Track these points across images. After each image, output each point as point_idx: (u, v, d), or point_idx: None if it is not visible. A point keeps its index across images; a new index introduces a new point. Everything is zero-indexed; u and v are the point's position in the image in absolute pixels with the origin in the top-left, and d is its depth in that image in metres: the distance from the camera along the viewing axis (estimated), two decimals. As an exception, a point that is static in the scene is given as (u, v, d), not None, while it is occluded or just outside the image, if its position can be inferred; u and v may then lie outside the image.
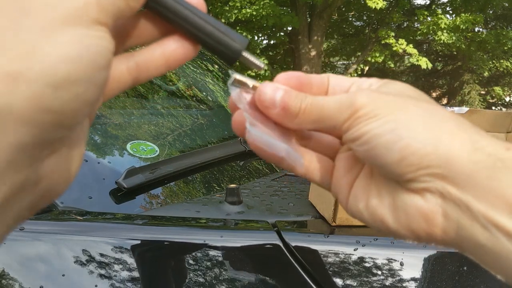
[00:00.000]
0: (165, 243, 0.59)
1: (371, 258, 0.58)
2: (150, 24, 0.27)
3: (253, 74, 8.14)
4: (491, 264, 0.23)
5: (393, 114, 0.25)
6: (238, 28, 8.21)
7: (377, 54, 9.03)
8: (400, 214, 0.26)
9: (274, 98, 0.27)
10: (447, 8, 10.04)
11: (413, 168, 0.24)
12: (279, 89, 0.28)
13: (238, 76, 0.29)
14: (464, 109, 0.82)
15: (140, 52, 0.26)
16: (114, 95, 0.26)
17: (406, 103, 0.26)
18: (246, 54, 0.28)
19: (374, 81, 0.30)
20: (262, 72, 8.19)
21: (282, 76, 0.29)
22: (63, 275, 0.53)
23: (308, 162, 0.30)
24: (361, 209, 0.29)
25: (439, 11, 8.85)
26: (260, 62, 0.29)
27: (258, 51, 8.87)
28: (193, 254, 0.57)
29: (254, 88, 0.29)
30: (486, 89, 11.93)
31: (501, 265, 0.22)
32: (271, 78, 8.44)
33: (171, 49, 0.26)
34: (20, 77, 0.18)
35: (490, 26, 10.83)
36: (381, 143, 0.25)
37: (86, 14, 0.20)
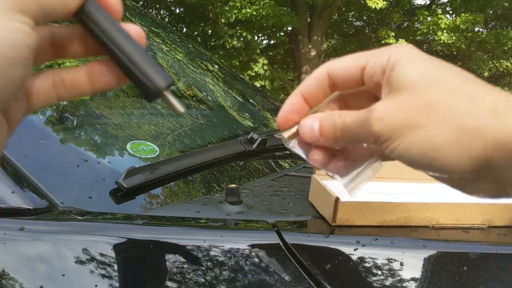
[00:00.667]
0: (165, 243, 0.59)
1: (371, 258, 0.58)
2: (83, 42, 0.25)
3: (253, 74, 8.14)
4: None
5: (412, 134, 0.26)
6: (238, 28, 8.21)
7: (377, 54, 9.01)
8: (473, 190, 0.29)
9: (314, 134, 0.31)
10: (447, 8, 10.04)
11: (458, 173, 0.26)
12: (315, 122, 0.31)
13: (285, 134, 0.33)
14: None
15: (67, 70, 0.26)
16: (40, 108, 0.25)
17: (421, 116, 0.26)
18: (168, 94, 0.27)
19: (385, 61, 0.29)
20: (262, 72, 8.19)
21: (281, 119, 0.32)
22: (63, 275, 0.53)
23: None
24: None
25: (439, 11, 8.85)
26: (181, 107, 0.28)
27: (258, 51, 8.86)
28: (193, 254, 0.57)
29: (297, 130, 0.33)
30: (486, 89, 11.92)
31: None
32: (271, 78, 8.43)
33: (97, 73, 0.26)
34: None
35: (490, 26, 10.83)
36: (422, 165, 0.27)
37: (4, 1, 0.18)
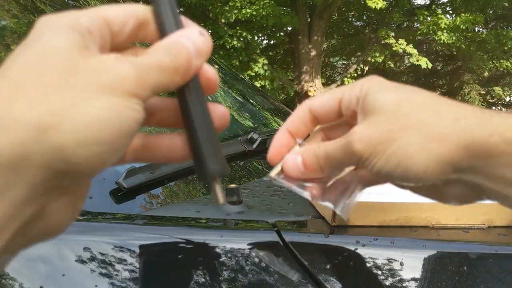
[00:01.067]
0: (165, 243, 0.59)
1: (371, 258, 0.58)
2: (173, 114, 0.29)
3: (253, 74, 8.14)
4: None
5: (389, 148, 0.29)
6: (238, 28, 8.21)
7: (377, 54, 9.03)
8: (445, 197, 0.33)
9: (299, 168, 0.33)
10: (447, 8, 10.04)
11: (430, 179, 0.29)
12: (297, 157, 0.34)
13: (271, 173, 0.35)
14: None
15: (151, 136, 0.29)
16: (115, 165, 0.26)
17: (393, 131, 0.29)
18: (216, 183, 0.28)
19: (358, 91, 0.32)
20: (262, 72, 8.19)
21: (272, 156, 0.35)
22: (63, 275, 0.53)
23: None
24: (412, 191, 0.35)
25: (439, 11, 8.84)
26: (222, 198, 0.29)
27: (258, 51, 8.86)
28: (193, 254, 0.57)
29: (282, 168, 0.35)
30: (486, 89, 11.92)
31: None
32: (271, 78, 8.43)
33: (176, 145, 0.28)
34: (50, 128, 0.20)
35: (490, 26, 10.82)
36: (398, 176, 0.30)
37: (125, 87, 0.22)
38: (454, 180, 0.30)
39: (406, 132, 0.29)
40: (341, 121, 0.35)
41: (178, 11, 0.25)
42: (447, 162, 0.28)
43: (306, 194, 0.35)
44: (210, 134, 0.27)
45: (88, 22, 0.23)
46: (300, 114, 0.35)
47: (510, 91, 12.29)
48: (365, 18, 10.84)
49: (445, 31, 8.11)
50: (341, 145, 0.31)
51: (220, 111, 0.28)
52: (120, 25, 0.25)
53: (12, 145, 0.20)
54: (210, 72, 0.28)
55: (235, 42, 8.00)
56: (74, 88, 0.21)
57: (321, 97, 0.35)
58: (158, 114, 0.29)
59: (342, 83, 9.29)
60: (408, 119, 0.29)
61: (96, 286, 0.53)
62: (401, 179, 0.30)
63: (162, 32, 0.25)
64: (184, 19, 0.26)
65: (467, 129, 0.28)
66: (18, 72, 0.21)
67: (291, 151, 0.35)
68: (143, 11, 0.26)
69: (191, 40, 0.25)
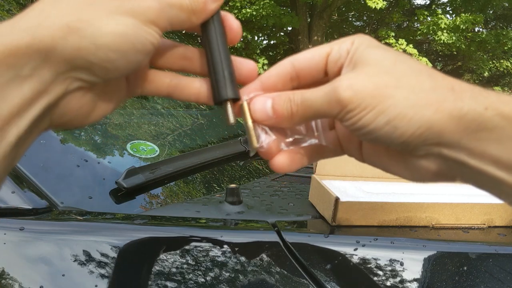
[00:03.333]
0: (165, 243, 0.59)
1: (371, 258, 0.58)
2: (204, 61, 0.32)
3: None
4: (490, 190, 0.29)
5: (381, 103, 0.27)
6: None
7: (377, 54, 9.01)
8: (414, 172, 0.31)
9: (266, 111, 0.31)
10: (447, 8, 10.04)
11: (413, 145, 0.28)
12: (267, 100, 0.31)
13: (251, 146, 0.33)
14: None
15: (185, 78, 0.33)
16: (151, 94, 0.34)
17: (389, 88, 0.28)
18: (228, 106, 0.32)
19: (349, 45, 0.31)
20: (263, 72, 8.18)
21: (267, 80, 0.33)
22: (63, 275, 0.53)
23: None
24: (377, 163, 0.33)
25: (439, 11, 8.85)
26: (233, 118, 0.32)
27: (258, 51, 8.86)
28: (193, 254, 0.57)
29: (253, 120, 0.32)
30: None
31: (496, 189, 0.29)
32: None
33: (205, 88, 0.33)
34: (74, 31, 0.26)
35: (490, 26, 10.82)
36: (381, 135, 0.28)
37: (146, 14, 0.27)
38: (432, 154, 0.29)
39: (402, 91, 0.27)
40: (323, 81, 0.32)
41: None
42: (436, 131, 0.27)
43: (261, 141, 0.32)
44: (229, 67, 0.31)
45: None
46: (279, 69, 0.32)
47: (510, 91, 12.29)
48: (365, 18, 10.84)
49: (445, 31, 8.12)
50: (323, 92, 0.29)
51: (249, 66, 0.33)
52: None
53: (45, 37, 0.25)
54: (234, 24, 0.32)
55: (235, 42, 7.99)
56: (103, 8, 0.26)
57: (306, 52, 0.32)
58: (193, 61, 0.33)
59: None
60: (405, 79, 0.28)
61: (96, 286, 0.53)
62: (383, 139, 0.28)
63: None
64: None
65: (462, 99, 0.27)
66: None
67: (261, 94, 0.32)
68: None
69: None
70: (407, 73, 0.28)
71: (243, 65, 0.33)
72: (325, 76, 0.32)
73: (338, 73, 0.30)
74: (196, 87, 0.33)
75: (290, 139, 0.34)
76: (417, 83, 0.28)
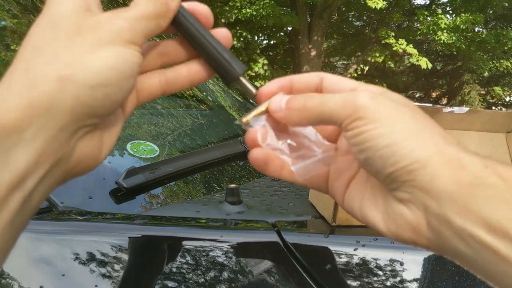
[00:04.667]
0: (165, 243, 0.59)
1: (371, 258, 0.58)
2: (181, 49, 0.33)
3: (253, 74, 8.14)
4: (472, 268, 0.26)
5: (391, 125, 0.27)
6: (238, 28, 8.21)
7: (377, 54, 9.03)
8: (391, 221, 0.29)
9: (280, 103, 0.32)
10: (447, 8, 10.04)
11: (400, 180, 0.27)
12: (283, 97, 0.32)
13: (250, 115, 0.33)
14: (464, 109, 0.82)
15: (170, 69, 0.33)
16: (147, 101, 0.34)
17: (404, 114, 0.28)
18: (242, 79, 0.34)
19: (374, 89, 0.31)
20: (262, 72, 8.19)
21: (264, 91, 0.33)
22: (63, 275, 0.53)
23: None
24: (356, 209, 0.32)
25: (439, 11, 8.84)
26: (253, 88, 0.34)
27: (258, 51, 8.86)
28: (193, 254, 0.57)
29: (267, 108, 0.33)
30: (486, 89, 11.91)
31: (480, 269, 0.26)
32: (271, 78, 8.44)
33: (195, 70, 0.33)
34: (67, 80, 0.25)
35: (490, 26, 10.82)
36: (376, 156, 0.27)
37: (121, 37, 0.27)
38: (416, 201, 0.27)
39: (416, 124, 0.27)
40: None
41: None
42: (429, 173, 0.26)
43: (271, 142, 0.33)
44: (222, 48, 0.32)
45: None
46: (311, 77, 0.33)
47: (510, 91, 12.29)
48: (365, 18, 10.84)
49: (445, 31, 8.11)
50: (341, 95, 0.29)
51: (222, 33, 0.33)
52: None
53: (40, 95, 0.25)
54: (201, 9, 0.33)
55: (235, 42, 8.00)
56: (81, 44, 0.26)
57: (338, 77, 0.33)
58: (173, 52, 0.33)
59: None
60: (421, 120, 0.28)
61: (96, 286, 0.53)
62: (374, 162, 0.27)
63: None
64: None
65: (466, 153, 0.26)
66: (35, 38, 0.27)
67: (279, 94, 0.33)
68: None
69: None
70: (420, 114, 0.29)
71: (219, 35, 0.33)
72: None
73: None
74: (184, 73, 0.33)
75: (283, 146, 0.34)
76: (429, 124, 0.28)
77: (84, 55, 0.26)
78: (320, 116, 0.30)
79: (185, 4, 0.32)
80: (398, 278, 0.57)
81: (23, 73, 0.25)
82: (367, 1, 7.48)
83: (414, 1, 10.71)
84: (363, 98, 0.28)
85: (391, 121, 0.27)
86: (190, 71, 0.33)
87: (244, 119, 0.33)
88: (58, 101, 0.25)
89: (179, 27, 0.32)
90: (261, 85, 0.35)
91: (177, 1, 0.31)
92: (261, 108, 0.33)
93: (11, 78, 0.26)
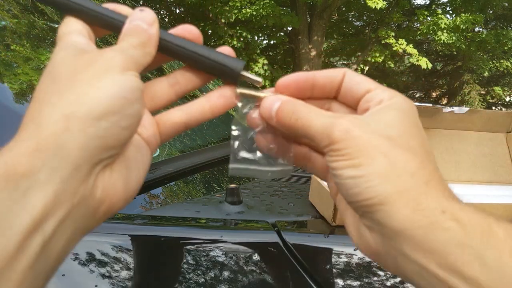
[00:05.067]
0: (165, 243, 0.59)
1: (371, 258, 0.58)
2: (189, 73, 0.35)
3: (253, 74, 8.12)
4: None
5: (359, 159, 0.28)
6: (238, 28, 8.20)
7: (377, 54, 9.03)
8: (359, 236, 0.31)
9: (271, 112, 0.33)
10: (447, 8, 10.04)
11: (361, 211, 0.29)
12: (276, 102, 0.33)
13: (242, 90, 0.34)
14: (464, 109, 0.82)
15: (191, 104, 0.35)
16: (171, 137, 0.35)
17: (376, 150, 0.28)
18: (244, 73, 0.34)
19: (385, 97, 0.31)
20: (262, 72, 8.19)
21: (281, 83, 0.34)
22: (63, 275, 0.53)
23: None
24: (341, 210, 0.34)
25: (439, 11, 8.84)
26: (258, 78, 0.35)
27: (258, 51, 8.86)
28: (193, 254, 0.57)
29: (261, 99, 0.34)
30: (486, 89, 11.91)
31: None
32: (271, 78, 8.45)
33: (215, 98, 0.35)
34: (72, 117, 0.26)
35: (490, 26, 10.82)
36: (342, 183, 0.29)
37: (116, 65, 0.28)
38: (377, 229, 0.29)
39: (383, 161, 0.28)
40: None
41: (118, 14, 0.33)
42: (387, 210, 0.27)
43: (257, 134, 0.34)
44: (214, 53, 0.33)
45: (82, 25, 0.32)
46: (335, 74, 0.34)
47: (510, 91, 12.29)
48: (365, 18, 10.84)
49: (445, 31, 8.11)
50: (322, 122, 0.30)
51: (191, 31, 0.34)
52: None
53: (47, 137, 0.25)
54: (188, 28, 0.34)
55: (235, 42, 8.00)
56: (79, 82, 0.27)
57: (359, 77, 0.33)
58: (181, 80, 0.35)
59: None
60: (395, 151, 0.28)
61: (96, 286, 0.53)
62: (342, 187, 0.29)
63: (119, 27, 0.32)
64: (122, 9, 0.33)
65: (427, 196, 0.27)
66: (38, 91, 0.28)
67: (275, 95, 0.33)
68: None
69: (137, 19, 0.32)
70: (404, 148, 0.29)
71: (186, 32, 0.34)
72: (334, 98, 0.34)
73: (365, 111, 0.32)
74: (203, 104, 0.35)
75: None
76: (401, 161, 0.28)
77: (84, 91, 0.27)
78: (304, 136, 0.32)
79: (172, 30, 0.34)
80: (398, 278, 0.57)
81: (29, 123, 0.26)
82: (367, 1, 7.48)
83: (414, 1, 10.70)
84: (337, 133, 0.29)
85: (361, 155, 0.28)
86: (209, 101, 0.35)
87: (239, 91, 0.34)
88: (66, 139, 0.25)
89: (168, 51, 0.33)
90: (262, 86, 0.36)
91: (156, 26, 0.32)
92: (260, 94, 0.34)
93: (19, 131, 0.26)
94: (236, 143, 0.35)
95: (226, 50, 0.34)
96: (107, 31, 0.34)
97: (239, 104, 0.35)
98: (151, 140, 0.33)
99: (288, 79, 0.34)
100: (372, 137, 0.29)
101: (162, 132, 0.34)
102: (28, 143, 0.25)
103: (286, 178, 0.92)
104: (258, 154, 0.35)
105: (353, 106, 0.34)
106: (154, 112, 0.35)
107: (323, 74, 0.34)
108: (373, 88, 0.32)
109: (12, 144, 0.25)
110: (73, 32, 0.31)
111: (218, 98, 0.35)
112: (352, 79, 0.33)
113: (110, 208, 0.29)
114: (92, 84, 0.27)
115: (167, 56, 0.34)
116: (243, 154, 0.35)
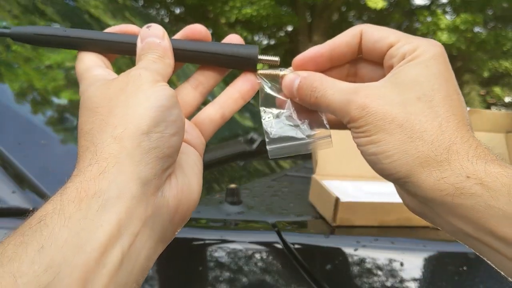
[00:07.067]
0: (165, 243, 0.59)
1: (371, 258, 0.58)
2: (208, 72, 0.37)
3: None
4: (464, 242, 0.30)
5: (378, 134, 0.29)
6: (238, 28, 8.20)
7: (377, 54, 9.01)
8: (406, 202, 0.33)
9: (293, 91, 0.34)
10: (447, 9, 10.04)
11: (390, 179, 0.30)
12: (296, 80, 0.34)
13: (262, 71, 0.36)
14: (464, 109, 0.82)
15: (221, 98, 0.37)
16: (212, 132, 0.37)
17: (392, 124, 0.29)
18: (261, 57, 0.35)
19: (408, 51, 0.31)
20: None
21: (297, 61, 0.35)
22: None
23: None
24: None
25: (439, 11, 8.84)
26: (274, 58, 0.36)
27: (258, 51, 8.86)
28: (193, 254, 0.57)
29: (282, 77, 0.35)
30: (486, 90, 11.91)
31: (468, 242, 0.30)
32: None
33: (242, 87, 0.36)
34: (123, 136, 0.27)
35: (489, 26, 10.83)
36: (367, 159, 0.30)
37: (143, 81, 0.30)
38: (409, 195, 0.31)
39: (402, 133, 0.28)
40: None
41: (127, 35, 0.35)
42: (413, 182, 0.28)
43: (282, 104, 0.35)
44: (224, 47, 0.35)
45: (96, 56, 0.34)
46: (350, 35, 0.33)
47: (510, 91, 12.29)
48: (365, 18, 10.84)
49: (445, 31, 8.11)
50: (340, 99, 0.31)
51: (196, 29, 0.36)
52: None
53: (107, 159, 0.27)
54: (195, 30, 0.35)
55: (235, 42, 7.99)
56: (117, 106, 0.29)
57: (378, 30, 0.33)
58: (202, 81, 0.37)
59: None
60: (413, 120, 0.28)
61: (96, 286, 0.53)
62: (368, 161, 0.30)
63: (131, 50, 0.34)
64: (132, 29, 0.36)
65: (450, 162, 0.27)
66: (83, 128, 0.30)
67: (295, 71, 0.34)
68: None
69: (148, 36, 0.33)
70: (422, 113, 0.29)
71: (194, 32, 0.36)
72: (358, 54, 0.34)
73: (390, 68, 0.32)
74: (232, 93, 0.36)
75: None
76: (420, 129, 0.28)
77: (126, 111, 0.28)
78: (327, 112, 0.33)
79: (179, 34, 0.36)
80: (398, 278, 0.57)
81: (85, 153, 0.28)
82: (367, 1, 7.48)
83: (414, 1, 10.70)
84: (354, 111, 0.30)
85: (380, 130, 0.29)
86: (241, 89, 0.36)
87: (260, 72, 0.36)
88: (125, 158, 0.27)
89: (183, 58, 0.35)
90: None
91: (167, 38, 0.34)
92: (279, 72, 0.35)
93: (78, 164, 0.28)
94: (268, 124, 0.35)
95: (235, 38, 0.36)
96: (119, 54, 0.36)
97: (263, 85, 0.36)
98: (197, 142, 0.35)
99: (303, 57, 0.34)
100: (388, 110, 0.29)
101: (203, 131, 0.36)
102: (91, 169, 0.26)
103: (286, 178, 0.92)
104: (293, 129, 0.35)
105: (379, 62, 0.34)
106: (189, 117, 0.36)
107: (338, 42, 0.34)
108: (395, 42, 0.32)
109: (75, 174, 0.27)
110: (91, 67, 0.33)
111: (244, 83, 0.36)
112: (371, 37, 0.33)
113: (184, 214, 0.31)
114: (129, 104, 0.29)
115: (183, 62, 0.35)
116: (278, 132, 0.35)
